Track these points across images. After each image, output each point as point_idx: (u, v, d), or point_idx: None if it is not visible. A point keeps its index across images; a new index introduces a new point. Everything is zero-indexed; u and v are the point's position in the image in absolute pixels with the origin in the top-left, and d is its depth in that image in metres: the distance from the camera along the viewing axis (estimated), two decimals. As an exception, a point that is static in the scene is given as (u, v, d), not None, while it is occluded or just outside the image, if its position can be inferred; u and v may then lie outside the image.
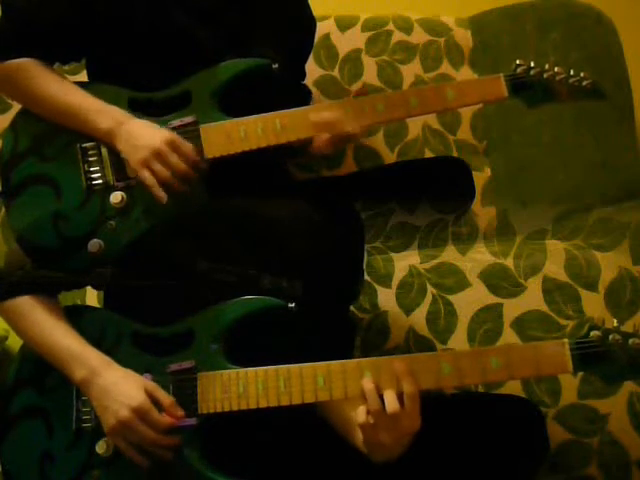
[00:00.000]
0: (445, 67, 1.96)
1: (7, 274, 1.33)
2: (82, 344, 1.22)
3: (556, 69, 1.33)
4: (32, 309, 1.26)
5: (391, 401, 1.07)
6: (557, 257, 1.65)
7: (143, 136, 1.27)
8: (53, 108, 1.32)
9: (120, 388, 1.16)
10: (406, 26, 1.98)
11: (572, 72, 1.33)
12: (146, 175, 1.25)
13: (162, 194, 1.25)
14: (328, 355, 1.14)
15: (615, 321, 1.07)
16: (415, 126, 1.90)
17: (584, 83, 1.32)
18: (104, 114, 1.29)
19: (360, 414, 1.09)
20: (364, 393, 1.09)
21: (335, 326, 1.33)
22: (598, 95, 1.34)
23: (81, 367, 1.19)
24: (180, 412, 1.15)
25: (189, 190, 1.27)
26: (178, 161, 1.26)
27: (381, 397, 1.08)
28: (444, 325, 1.61)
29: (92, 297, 1.62)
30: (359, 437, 1.13)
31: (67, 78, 1.36)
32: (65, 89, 1.32)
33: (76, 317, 1.27)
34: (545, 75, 1.33)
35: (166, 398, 1.16)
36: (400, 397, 1.08)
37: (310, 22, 1.61)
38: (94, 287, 1.45)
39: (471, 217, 1.84)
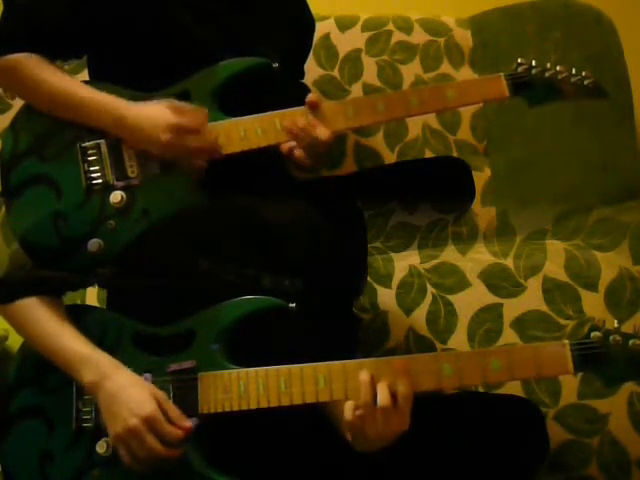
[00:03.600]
0: (445, 67, 1.96)
1: (8, 275, 1.33)
2: (90, 347, 1.21)
3: (558, 68, 1.33)
4: (36, 311, 1.24)
5: (384, 395, 1.07)
6: (557, 257, 1.65)
7: (148, 131, 1.28)
8: (57, 101, 1.31)
9: (129, 394, 1.15)
10: (406, 26, 1.98)
11: (574, 71, 1.33)
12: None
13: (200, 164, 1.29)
14: (331, 354, 1.14)
15: (616, 322, 1.07)
16: (415, 126, 1.90)
17: (586, 82, 1.33)
18: (105, 110, 1.29)
19: (347, 408, 1.09)
20: (359, 384, 1.08)
21: (337, 325, 1.33)
22: (600, 94, 1.34)
23: (90, 371, 1.18)
24: (188, 424, 1.14)
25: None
26: (190, 142, 1.28)
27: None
28: (444, 325, 1.61)
29: (92, 297, 1.62)
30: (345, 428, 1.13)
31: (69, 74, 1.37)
32: (69, 82, 1.32)
33: (76, 317, 1.27)
34: (547, 74, 1.33)
35: (174, 410, 1.15)
36: (394, 395, 1.08)
37: (309, 22, 1.61)
38: (99, 285, 1.45)
39: (471, 217, 1.84)
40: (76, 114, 1.31)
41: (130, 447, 1.13)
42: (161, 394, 1.16)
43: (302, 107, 1.34)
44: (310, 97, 1.34)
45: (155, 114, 1.28)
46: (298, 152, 1.34)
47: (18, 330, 1.28)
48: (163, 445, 1.12)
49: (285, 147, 1.38)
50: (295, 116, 1.32)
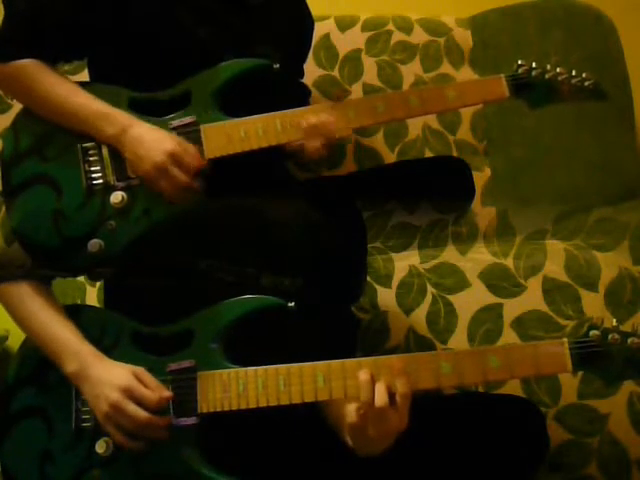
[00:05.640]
0: (445, 67, 1.96)
1: (7, 273, 1.33)
2: (76, 337, 1.23)
3: (558, 69, 1.33)
4: (30, 298, 1.26)
5: (381, 395, 1.07)
6: (557, 257, 1.64)
7: (147, 146, 1.27)
8: (57, 109, 1.32)
9: (108, 375, 1.17)
10: (406, 26, 1.98)
11: (574, 72, 1.33)
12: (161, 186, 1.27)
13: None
14: (330, 354, 1.14)
15: (614, 320, 1.07)
16: (415, 126, 1.90)
17: (586, 83, 1.33)
18: (108, 119, 1.29)
19: (351, 411, 1.09)
20: (359, 384, 1.08)
21: (337, 325, 1.33)
22: (600, 95, 1.34)
23: (73, 361, 1.20)
24: (167, 392, 1.16)
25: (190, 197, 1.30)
26: (179, 174, 1.27)
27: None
28: (444, 325, 1.61)
29: (92, 297, 1.62)
30: (347, 430, 1.13)
31: (69, 79, 1.36)
32: (68, 91, 1.32)
33: (76, 316, 1.27)
34: (547, 75, 1.33)
35: (152, 380, 1.17)
36: (393, 394, 1.08)
37: (309, 21, 1.62)
38: (90, 279, 1.45)
39: (471, 217, 1.84)
40: (78, 123, 1.31)
41: (117, 422, 1.15)
42: (139, 369, 1.18)
43: (304, 107, 1.35)
44: (336, 91, 1.35)
45: (159, 136, 1.29)
46: (311, 148, 1.34)
47: (9, 312, 1.29)
48: (148, 412, 1.14)
49: (293, 146, 1.38)
50: (308, 114, 1.32)
